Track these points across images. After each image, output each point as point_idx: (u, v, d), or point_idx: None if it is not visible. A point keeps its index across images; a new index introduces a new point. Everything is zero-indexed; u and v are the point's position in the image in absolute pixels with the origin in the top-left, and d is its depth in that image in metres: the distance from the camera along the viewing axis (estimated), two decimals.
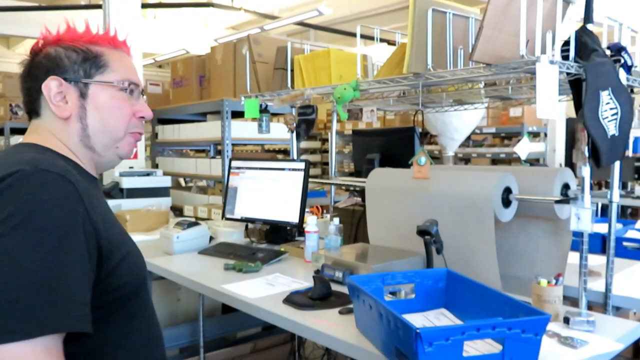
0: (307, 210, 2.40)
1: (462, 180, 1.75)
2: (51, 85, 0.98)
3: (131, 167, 3.57)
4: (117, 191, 3.11)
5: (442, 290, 1.46)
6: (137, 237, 2.68)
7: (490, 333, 1.03)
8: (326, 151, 8.83)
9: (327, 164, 8.56)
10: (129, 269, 0.96)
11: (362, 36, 2.04)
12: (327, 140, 8.70)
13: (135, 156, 3.76)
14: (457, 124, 3.54)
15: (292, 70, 2.30)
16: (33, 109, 1.02)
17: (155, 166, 4.17)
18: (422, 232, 1.69)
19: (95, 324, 0.86)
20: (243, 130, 3.61)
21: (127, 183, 3.14)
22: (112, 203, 3.07)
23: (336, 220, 2.20)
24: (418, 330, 0.98)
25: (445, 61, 1.67)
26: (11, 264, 0.77)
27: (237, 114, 3.59)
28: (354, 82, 1.85)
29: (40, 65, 1.00)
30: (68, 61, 1.00)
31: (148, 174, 3.32)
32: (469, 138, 5.77)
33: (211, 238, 2.51)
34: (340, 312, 1.52)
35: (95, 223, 0.88)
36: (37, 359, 0.76)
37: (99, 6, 4.78)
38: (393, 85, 1.85)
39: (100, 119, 1.02)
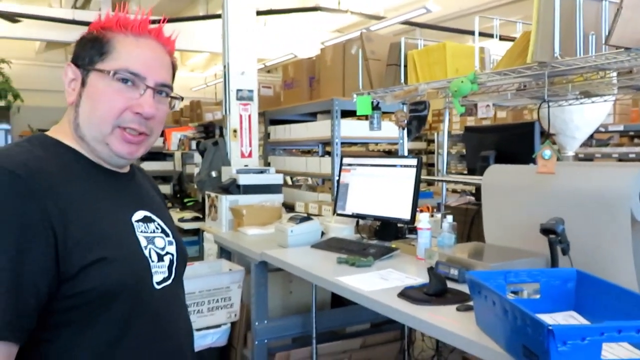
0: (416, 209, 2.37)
1: (593, 175, 1.63)
2: (67, 72, 0.98)
3: (246, 165, 3.78)
4: (234, 187, 3.30)
5: (571, 292, 1.36)
6: (252, 231, 2.85)
7: (633, 337, 0.95)
8: (431, 152, 8.63)
9: (432, 165, 8.37)
10: (97, 277, 0.86)
11: (472, 32, 1.98)
12: (432, 141, 8.51)
13: (250, 155, 3.97)
14: (579, 121, 3.29)
15: (405, 66, 2.30)
16: None
17: (268, 165, 4.37)
18: (546, 231, 1.60)
19: (53, 329, 0.85)
20: (351, 129, 3.66)
21: (243, 180, 3.32)
22: (230, 198, 3.26)
23: (449, 217, 2.15)
24: (550, 327, 0.93)
25: (573, 49, 1.57)
26: None
27: (346, 114, 3.65)
28: (471, 75, 1.80)
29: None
30: (80, 48, 0.98)
31: (262, 172, 3.48)
32: (591, 137, 5.33)
33: (322, 233, 2.57)
34: (458, 309, 1.48)
35: (52, 221, 0.83)
36: None
37: (218, 16, 5.11)
38: (514, 77, 1.77)
39: (90, 108, 0.95)
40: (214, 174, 3.83)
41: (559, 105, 2.44)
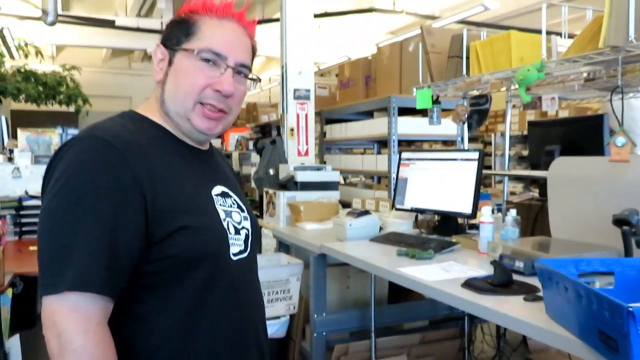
0: None
1: None
2: (156, 52, 1.03)
3: (303, 163, 3.83)
4: (292, 184, 3.36)
5: None
6: (310, 226, 2.89)
7: None
8: (488, 154, 8.43)
9: (489, 167, 8.16)
10: (182, 243, 0.91)
11: (533, 30, 1.93)
12: (489, 143, 8.30)
13: (307, 153, 4.02)
14: None
15: (467, 58, 2.27)
16: None
17: (323, 163, 4.41)
18: (619, 222, 1.54)
19: (141, 290, 0.90)
20: (408, 126, 3.65)
21: (300, 177, 3.37)
22: (288, 195, 3.32)
23: (513, 211, 2.11)
24: (630, 308, 0.90)
25: None
26: (50, 225, 0.86)
27: (402, 112, 3.64)
28: (538, 63, 1.76)
29: None
30: (169, 29, 1.03)
31: (319, 169, 3.52)
32: None
33: (380, 229, 2.57)
34: (526, 299, 1.45)
35: (142, 188, 0.89)
36: (63, 314, 0.81)
37: (274, 20, 5.22)
38: (584, 64, 1.71)
39: (174, 85, 1.00)
40: (271, 171, 3.91)
41: (631, 97, 2.34)
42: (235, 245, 1.02)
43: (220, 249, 0.99)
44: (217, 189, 1.04)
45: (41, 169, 3.75)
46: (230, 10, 1.03)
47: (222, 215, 1.01)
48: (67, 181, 0.87)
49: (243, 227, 1.05)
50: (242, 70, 1.03)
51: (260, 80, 1.12)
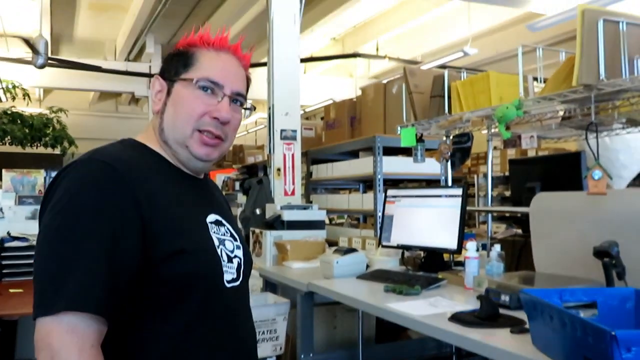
0: None
1: None
2: (154, 84, 1.08)
3: (289, 203, 3.85)
4: (278, 223, 3.36)
5: (630, 313, 1.33)
6: (297, 265, 2.88)
7: None
8: (472, 195, 8.53)
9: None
10: (178, 267, 0.93)
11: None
12: (472, 185, 8.43)
13: (293, 193, 4.04)
14: (625, 160, 3.24)
15: (449, 98, 2.35)
16: None
17: (310, 203, 4.42)
18: (600, 253, 1.57)
19: (138, 314, 0.91)
20: (393, 166, 3.70)
21: (287, 216, 3.38)
22: (274, 234, 3.32)
23: (497, 246, 2.14)
24: (614, 333, 0.92)
25: (619, 72, 1.59)
26: (49, 244, 0.87)
27: (387, 152, 3.71)
28: (516, 101, 1.83)
29: None
30: (168, 62, 1.08)
31: (305, 208, 3.54)
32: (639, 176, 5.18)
33: (367, 266, 2.58)
34: (512, 332, 1.46)
35: (141, 211, 0.90)
36: (59, 335, 0.81)
37: (260, 64, 5.35)
38: (559, 102, 1.79)
39: (173, 113, 1.03)
40: (258, 211, 3.91)
41: (606, 136, 2.43)
42: (228, 273, 1.02)
43: (215, 274, 1.00)
44: (211, 217, 1.06)
45: (25, 210, 3.73)
46: (226, 43, 1.08)
47: (216, 242, 1.02)
48: (68, 201, 0.88)
49: (235, 256, 1.06)
50: (238, 99, 1.07)
51: (255, 108, 1.15)
